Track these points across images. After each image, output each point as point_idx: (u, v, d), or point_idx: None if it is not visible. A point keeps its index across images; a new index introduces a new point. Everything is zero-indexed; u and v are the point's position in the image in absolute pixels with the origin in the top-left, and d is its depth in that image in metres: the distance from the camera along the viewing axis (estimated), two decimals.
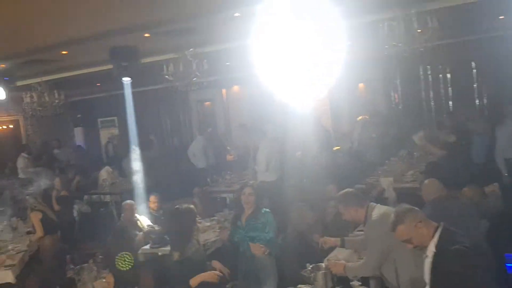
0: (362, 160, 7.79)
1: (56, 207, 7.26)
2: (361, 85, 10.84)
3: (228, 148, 10.12)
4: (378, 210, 3.73)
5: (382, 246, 3.55)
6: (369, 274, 3.73)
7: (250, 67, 2.50)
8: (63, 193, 7.70)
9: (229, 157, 9.12)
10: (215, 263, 4.22)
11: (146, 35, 6.79)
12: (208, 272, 3.96)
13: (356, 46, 6.95)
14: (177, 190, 6.86)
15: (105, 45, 7.30)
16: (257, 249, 4.54)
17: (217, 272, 3.99)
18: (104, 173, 9.66)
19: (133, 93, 10.85)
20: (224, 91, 12.20)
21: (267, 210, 4.79)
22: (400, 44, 6.05)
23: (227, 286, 4.16)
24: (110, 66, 8.22)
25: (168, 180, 7.69)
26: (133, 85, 9.26)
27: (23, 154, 11.44)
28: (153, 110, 12.28)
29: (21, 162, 11.28)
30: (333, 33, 2.41)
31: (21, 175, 11.07)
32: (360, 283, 3.62)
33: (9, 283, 5.22)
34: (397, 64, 9.45)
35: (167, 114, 12.63)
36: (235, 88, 12.05)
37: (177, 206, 4.49)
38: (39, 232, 6.07)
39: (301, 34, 2.36)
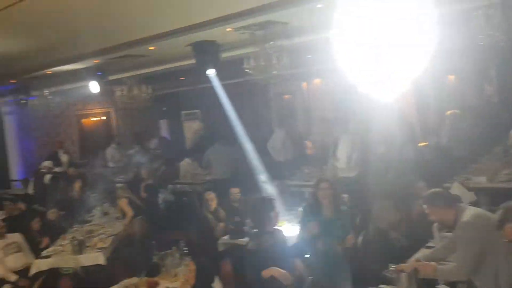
0: (451, 157, 7.32)
1: (143, 194, 7.63)
2: (451, 76, 10.17)
3: (307, 142, 10.02)
4: (469, 211, 3.47)
5: (477, 249, 3.30)
6: (462, 278, 3.49)
7: (332, 59, 2.41)
8: (149, 181, 8.10)
9: (308, 151, 9.02)
10: (298, 263, 4.20)
11: (229, 29, 6.89)
12: (282, 270, 3.96)
13: (447, 36, 6.52)
14: (257, 183, 6.91)
15: (189, 40, 7.54)
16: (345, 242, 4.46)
17: (289, 276, 3.98)
18: (185, 164, 10.00)
19: (215, 87, 11.11)
20: (304, 84, 12.07)
21: (345, 207, 4.70)
22: (497, 34, 5.57)
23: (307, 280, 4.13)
24: (193, 61, 8.49)
25: (248, 172, 7.79)
26: (217, 78, 9.48)
27: (112, 144, 12.23)
28: (234, 103, 12.46)
29: (109, 152, 12.08)
30: (422, 21, 2.24)
31: (110, 164, 11.86)
32: (447, 287, 3.41)
33: (99, 265, 5.59)
34: (493, 54, 8.72)
35: (247, 107, 12.77)
36: (316, 81, 11.87)
37: (255, 197, 4.56)
38: (129, 213, 6.43)
39: (387, 23, 2.22)
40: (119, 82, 10.18)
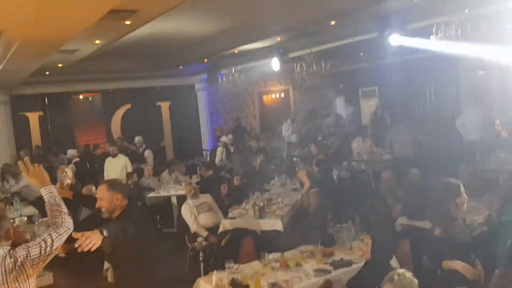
0: None
1: (315, 169, 7.74)
2: None
3: (502, 124, 8.85)
4: None
5: None
6: None
7: None
8: (320, 156, 8.19)
9: (503, 134, 7.97)
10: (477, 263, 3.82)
11: None
12: (465, 265, 3.62)
13: None
14: (440, 165, 6.40)
15: (372, 13, 7.27)
16: None
17: (473, 271, 3.62)
18: (357, 143, 9.86)
19: (395, 63, 10.58)
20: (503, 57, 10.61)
21: None
22: None
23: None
24: (374, 35, 8.19)
25: (430, 153, 7.27)
26: (397, 54, 9.00)
27: (288, 120, 12.72)
28: (417, 79, 11.67)
29: (285, 128, 12.61)
30: None
31: (286, 139, 12.38)
32: None
33: (277, 230, 5.90)
34: None
35: (432, 83, 11.84)
36: None
37: (440, 180, 4.23)
38: (307, 183, 6.64)
39: None
40: (298, 59, 10.43)
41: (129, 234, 2.95)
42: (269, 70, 11.74)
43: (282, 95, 15.07)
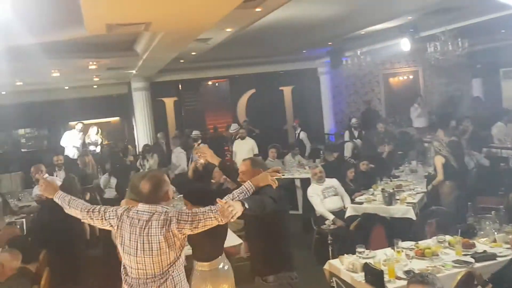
0: None
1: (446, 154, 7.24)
2: None
3: None
4: None
5: None
6: None
7: None
8: (451, 138, 7.59)
9: None
10: None
11: None
12: None
13: None
14: None
15: None
16: None
17: None
18: (497, 128, 9.00)
19: None
20: None
21: None
22: None
23: None
24: None
25: None
26: None
27: (416, 104, 12.03)
28: None
29: (413, 112, 11.96)
30: None
31: (415, 125, 11.75)
32: None
33: (409, 219, 5.67)
34: None
35: None
36: None
37: None
38: (440, 176, 6.24)
39: None
40: (430, 38, 9.76)
41: (268, 209, 3.05)
42: (396, 51, 11.21)
43: (411, 77, 14.29)
